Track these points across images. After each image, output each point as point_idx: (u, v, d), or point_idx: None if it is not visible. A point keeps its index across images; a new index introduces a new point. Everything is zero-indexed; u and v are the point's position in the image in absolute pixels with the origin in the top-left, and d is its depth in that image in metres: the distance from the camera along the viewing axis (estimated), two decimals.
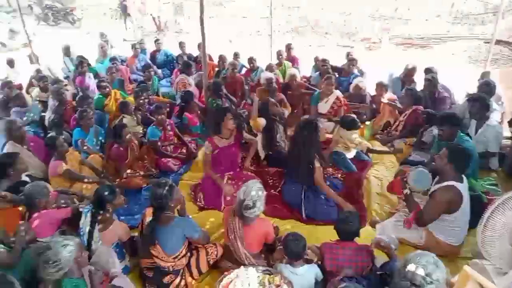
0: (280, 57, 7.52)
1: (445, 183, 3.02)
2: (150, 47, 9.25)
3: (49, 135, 4.42)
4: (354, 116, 4.74)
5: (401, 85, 6.33)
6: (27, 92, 7.01)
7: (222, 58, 7.69)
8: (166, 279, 2.90)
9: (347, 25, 14.58)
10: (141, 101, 5.69)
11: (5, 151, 4.08)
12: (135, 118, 5.42)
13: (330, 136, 4.95)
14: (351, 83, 6.36)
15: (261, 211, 2.89)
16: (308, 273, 2.70)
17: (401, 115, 5.39)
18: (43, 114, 5.93)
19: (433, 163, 3.34)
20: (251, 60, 7.36)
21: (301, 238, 2.73)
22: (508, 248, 2.19)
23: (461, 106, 5.19)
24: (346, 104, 5.68)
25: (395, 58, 9.87)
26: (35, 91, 6.72)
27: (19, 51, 11.11)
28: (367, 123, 5.78)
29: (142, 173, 4.60)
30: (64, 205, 3.50)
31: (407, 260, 2.00)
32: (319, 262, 2.80)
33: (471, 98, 4.52)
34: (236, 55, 7.88)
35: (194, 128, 5.73)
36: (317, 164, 3.73)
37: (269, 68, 7.10)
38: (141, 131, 5.32)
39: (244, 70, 7.74)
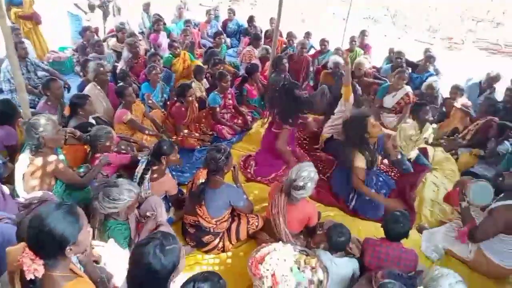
0: (354, 43, 7.22)
1: (509, 201, 2.79)
2: (223, 15, 9.33)
3: (119, 84, 4.67)
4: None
5: (478, 92, 5.85)
6: (103, 41, 7.43)
7: (290, 36, 7.56)
8: (206, 239, 3.02)
9: (430, 20, 13.60)
10: (216, 69, 5.79)
11: (85, 91, 4.37)
12: (201, 85, 5.55)
13: (391, 132, 4.73)
14: (424, 81, 5.99)
15: (309, 194, 2.86)
16: (346, 265, 2.66)
17: (472, 123, 5.00)
18: (116, 64, 6.28)
19: (500, 178, 3.09)
20: (323, 42, 7.15)
21: (346, 231, 2.68)
22: None
23: None
24: (414, 102, 5.36)
25: (477, 62, 9.11)
26: (112, 41, 7.09)
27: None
28: (433, 126, 5.43)
29: (197, 135, 4.77)
30: (124, 151, 3.74)
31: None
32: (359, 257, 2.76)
33: None
34: (307, 35, 7.73)
35: (251, 101, 5.77)
36: (358, 164, 3.55)
37: (336, 51, 6.85)
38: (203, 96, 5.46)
39: (312, 51, 7.57)
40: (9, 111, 3.66)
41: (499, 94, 5.77)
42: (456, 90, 5.50)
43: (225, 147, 2.97)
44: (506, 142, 4.30)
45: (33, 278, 1.47)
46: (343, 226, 2.75)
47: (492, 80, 5.81)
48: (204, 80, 5.64)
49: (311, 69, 6.78)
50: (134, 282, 1.62)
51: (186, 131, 4.65)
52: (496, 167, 4.20)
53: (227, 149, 2.96)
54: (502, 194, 2.96)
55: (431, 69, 6.56)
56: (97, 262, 2.12)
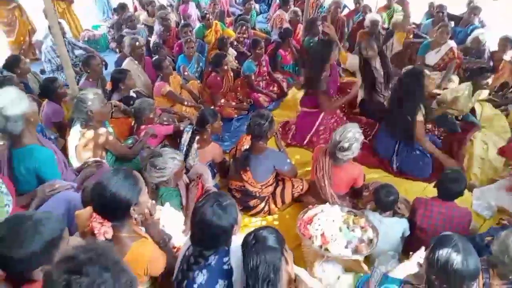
0: None
1: None
2: None
3: (155, 57, 4.72)
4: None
5: None
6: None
7: None
8: (252, 202, 3.09)
9: None
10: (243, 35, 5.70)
11: (123, 66, 4.47)
12: (229, 55, 5.48)
13: (435, 91, 4.52)
14: (468, 35, 5.62)
15: (355, 155, 2.82)
16: (395, 225, 2.63)
17: None
18: (148, 38, 6.32)
19: None
20: (358, 0, 6.82)
21: (394, 190, 2.64)
22: None
23: None
24: (459, 58, 5.06)
25: None
26: (143, 15, 7.12)
27: None
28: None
29: (234, 104, 4.79)
30: (166, 123, 3.82)
31: (507, 246, 1.73)
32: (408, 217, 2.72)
33: None
34: None
35: (286, 67, 5.67)
36: (419, 118, 3.44)
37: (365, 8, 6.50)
38: (235, 66, 5.41)
39: (346, 11, 7.26)
40: (55, 88, 3.80)
41: None
42: (505, 42, 5.13)
43: (268, 112, 2.98)
44: None
45: (103, 240, 1.57)
46: (391, 185, 2.71)
47: None
48: (231, 48, 5.54)
49: (346, 30, 6.52)
50: (200, 241, 1.70)
51: (223, 100, 4.67)
52: None
53: (270, 114, 2.96)
54: None
55: (476, 21, 6.15)
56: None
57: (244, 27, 5.86)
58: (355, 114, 4.56)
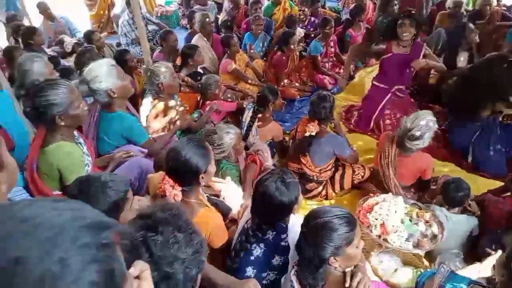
0: None
1: None
2: None
3: (223, 35, 4.78)
4: None
5: None
6: None
7: None
8: (309, 186, 3.06)
9: None
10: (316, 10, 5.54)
11: (193, 42, 4.59)
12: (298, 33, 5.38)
13: None
14: None
15: (426, 145, 2.66)
16: (464, 223, 2.47)
17: None
18: (217, 16, 6.41)
19: None
20: None
21: (465, 186, 2.47)
22: None
23: None
24: None
25: None
26: None
27: None
28: None
29: (297, 85, 4.73)
30: (230, 99, 3.89)
31: None
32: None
33: None
34: None
35: None
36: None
37: None
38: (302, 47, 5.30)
39: None
40: (126, 60, 4.00)
41: None
42: None
43: (328, 94, 2.90)
44: None
45: (173, 202, 1.66)
46: (462, 180, 2.53)
47: None
48: (298, 28, 5.41)
49: (424, 11, 6.04)
50: (260, 215, 1.73)
51: (286, 81, 4.63)
52: None
53: (331, 96, 2.88)
54: None
55: None
56: (217, 196, 2.32)
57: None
58: (428, 103, 4.26)
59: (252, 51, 4.98)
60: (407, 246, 2.30)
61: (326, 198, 3.13)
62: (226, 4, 6.24)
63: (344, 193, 3.18)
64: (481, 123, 3.34)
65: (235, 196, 2.39)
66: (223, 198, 2.23)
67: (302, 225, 1.51)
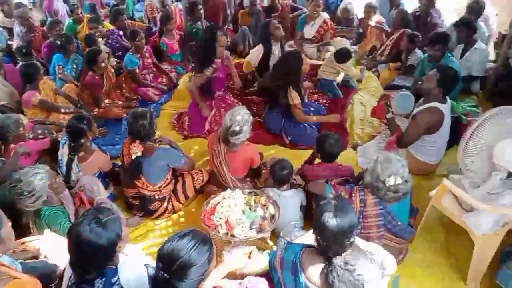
0: None
1: (428, 105, 3.01)
2: None
3: (22, 63, 4.13)
4: (349, 48, 4.59)
5: (389, 7, 6.06)
6: None
7: None
8: (153, 206, 2.94)
9: None
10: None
11: None
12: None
13: (314, 62, 4.81)
14: (339, 5, 6.05)
15: (247, 137, 2.85)
16: (294, 196, 2.77)
17: (388, 39, 5.23)
18: (10, 42, 5.53)
19: (419, 83, 3.32)
20: None
21: (287, 164, 2.76)
22: (484, 163, 2.27)
23: (447, 31, 5.05)
24: (333, 28, 5.45)
25: None
26: None
27: None
28: (354, 47, 5.62)
29: (121, 102, 4.47)
30: (41, 136, 3.40)
31: (378, 173, 2.11)
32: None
33: (458, 23, 4.39)
34: None
35: (173, 56, 5.46)
36: (296, 101, 3.62)
37: None
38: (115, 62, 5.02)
39: None
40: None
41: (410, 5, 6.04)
42: (369, 9, 5.65)
43: (144, 110, 2.83)
44: (416, 51, 4.58)
45: None
46: (284, 160, 2.83)
47: None
48: (103, 45, 5.08)
49: (229, 11, 6.52)
50: (80, 266, 1.54)
51: (107, 100, 4.32)
52: (413, 75, 4.48)
53: (147, 111, 2.83)
54: (422, 99, 3.19)
55: None
56: (36, 257, 1.98)
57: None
58: (248, 95, 4.62)
59: (60, 72, 4.42)
60: (252, 233, 2.44)
61: (174, 212, 3.07)
62: (18, 29, 5.42)
63: (191, 201, 3.18)
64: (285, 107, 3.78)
65: (61, 249, 2.09)
66: (45, 257, 1.92)
67: (158, 268, 1.46)
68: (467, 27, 4.28)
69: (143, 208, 2.96)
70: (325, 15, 5.43)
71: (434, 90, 2.99)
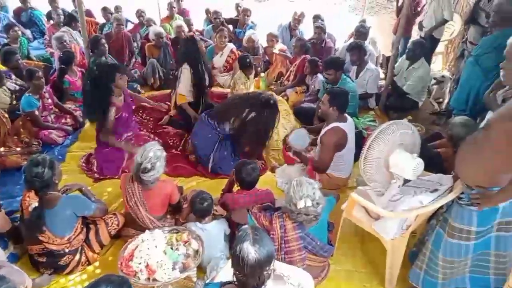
0: (174, 8, 7.02)
1: (330, 126, 3.25)
2: (12, 4, 7.82)
3: None
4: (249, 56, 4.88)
5: (289, 35, 6.53)
6: None
7: (106, 10, 6.91)
8: (63, 261, 2.66)
9: None
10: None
11: None
12: (5, 91, 4.59)
13: (226, 91, 4.93)
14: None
15: (161, 173, 2.76)
16: (216, 228, 2.74)
17: (292, 65, 5.59)
18: None
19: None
20: (139, 13, 6.75)
21: (207, 196, 2.73)
22: (383, 172, 2.50)
23: (341, 54, 5.60)
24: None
25: (283, 9, 10.08)
26: None
27: None
28: (262, 74, 5.90)
29: (19, 149, 4.04)
30: None
31: (291, 196, 2.20)
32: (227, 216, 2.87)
33: (351, 47, 4.90)
34: (117, 9, 7.11)
35: (77, 94, 5.13)
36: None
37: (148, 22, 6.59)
38: (8, 103, 4.55)
39: (130, 26, 7.11)
40: None
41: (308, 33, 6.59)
42: (272, 37, 5.99)
43: (41, 157, 2.59)
44: (318, 75, 4.98)
45: None
46: (203, 191, 2.80)
47: (298, 18, 6.54)
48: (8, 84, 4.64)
49: (135, 44, 6.39)
50: None
51: (2, 149, 3.87)
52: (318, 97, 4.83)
53: (46, 157, 2.60)
54: (325, 123, 3.42)
55: (249, 22, 6.95)
56: None
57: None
58: (163, 128, 4.51)
59: None
60: (175, 274, 2.34)
61: (89, 264, 2.80)
62: None
63: (107, 249, 2.94)
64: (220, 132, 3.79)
65: None
66: None
67: None
68: (358, 50, 4.80)
69: (52, 264, 2.66)
70: (231, 45, 5.63)
71: (330, 111, 3.23)
